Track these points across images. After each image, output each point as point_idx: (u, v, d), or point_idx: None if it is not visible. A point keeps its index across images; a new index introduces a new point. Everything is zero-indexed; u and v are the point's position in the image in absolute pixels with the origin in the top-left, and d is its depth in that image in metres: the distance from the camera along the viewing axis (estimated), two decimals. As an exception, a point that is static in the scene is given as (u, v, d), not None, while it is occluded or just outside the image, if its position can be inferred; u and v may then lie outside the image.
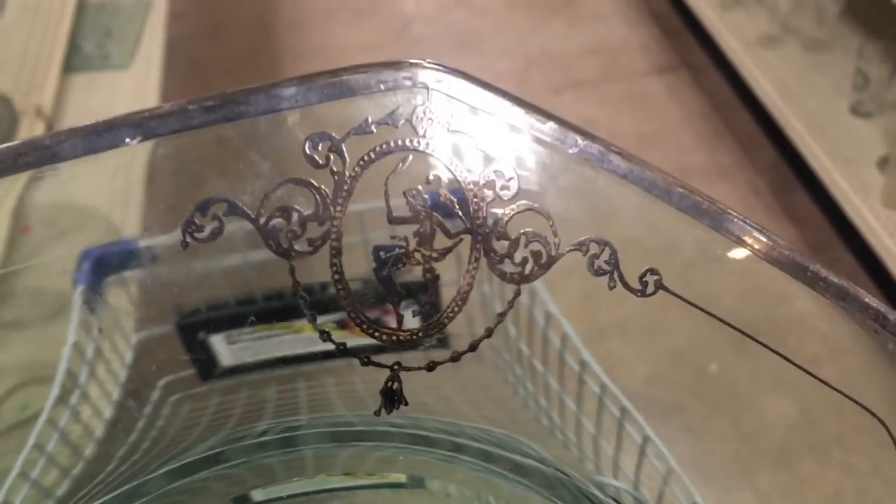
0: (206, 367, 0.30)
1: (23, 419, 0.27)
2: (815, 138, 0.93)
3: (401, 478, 0.26)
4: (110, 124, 0.17)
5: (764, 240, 0.18)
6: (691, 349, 0.27)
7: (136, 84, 0.75)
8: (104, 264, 0.28)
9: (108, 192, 0.26)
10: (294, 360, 0.28)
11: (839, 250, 0.94)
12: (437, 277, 0.18)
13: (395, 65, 0.17)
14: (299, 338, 0.27)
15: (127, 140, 0.16)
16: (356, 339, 0.22)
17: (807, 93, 0.98)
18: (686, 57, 1.24)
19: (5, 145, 0.17)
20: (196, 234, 0.17)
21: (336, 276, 0.17)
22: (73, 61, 0.77)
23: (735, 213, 0.19)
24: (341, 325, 0.27)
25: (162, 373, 0.28)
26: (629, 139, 1.11)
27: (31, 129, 0.67)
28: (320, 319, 0.29)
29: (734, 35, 1.09)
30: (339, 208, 0.17)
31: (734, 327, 0.19)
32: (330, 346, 0.26)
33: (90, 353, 0.29)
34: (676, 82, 1.20)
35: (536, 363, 0.31)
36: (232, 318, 0.30)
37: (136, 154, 0.25)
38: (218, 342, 0.31)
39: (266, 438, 0.26)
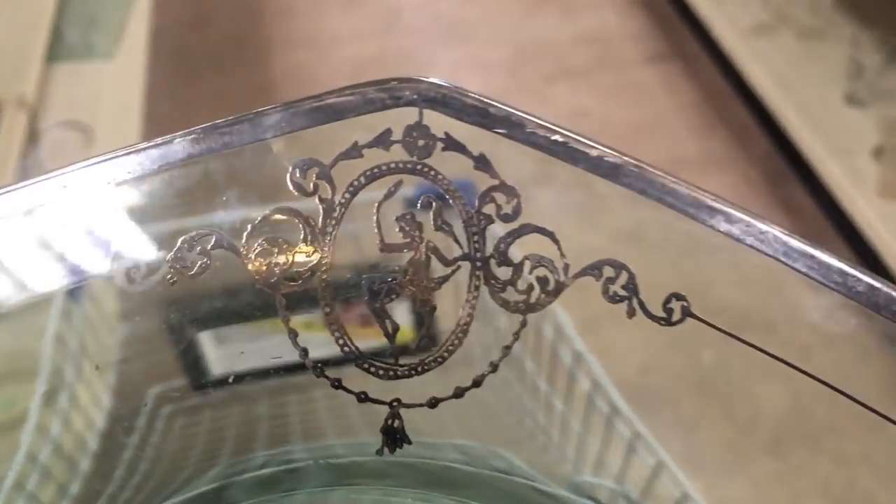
0: (196, 374, 0.29)
1: (9, 419, 0.27)
2: (809, 128, 0.92)
3: None
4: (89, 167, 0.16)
5: (818, 257, 0.18)
6: (683, 338, 0.26)
7: (120, 73, 0.74)
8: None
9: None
10: (283, 371, 0.27)
11: (834, 241, 0.94)
12: (433, 309, 0.17)
13: (383, 84, 0.16)
14: (288, 341, 0.27)
15: (108, 183, 0.16)
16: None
17: (801, 82, 0.98)
18: (679, 46, 1.23)
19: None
20: (184, 272, 0.16)
21: (327, 310, 0.17)
22: (57, 50, 0.76)
23: (779, 229, 0.17)
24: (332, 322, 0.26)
25: (152, 381, 0.27)
26: (622, 129, 1.10)
27: (13, 120, 0.66)
28: (311, 317, 0.28)
29: (727, 23, 1.08)
30: (328, 238, 0.16)
31: (764, 351, 0.18)
32: (322, 354, 0.26)
33: (74, 347, 0.28)
34: (669, 72, 1.19)
35: (527, 362, 0.30)
36: (221, 312, 0.30)
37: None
38: (207, 343, 0.30)
39: (261, 473, 0.26)
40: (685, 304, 0.17)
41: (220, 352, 0.29)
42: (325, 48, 1.25)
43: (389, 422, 0.17)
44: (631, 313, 0.17)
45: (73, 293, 0.28)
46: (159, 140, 0.16)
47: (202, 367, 0.29)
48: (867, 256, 0.87)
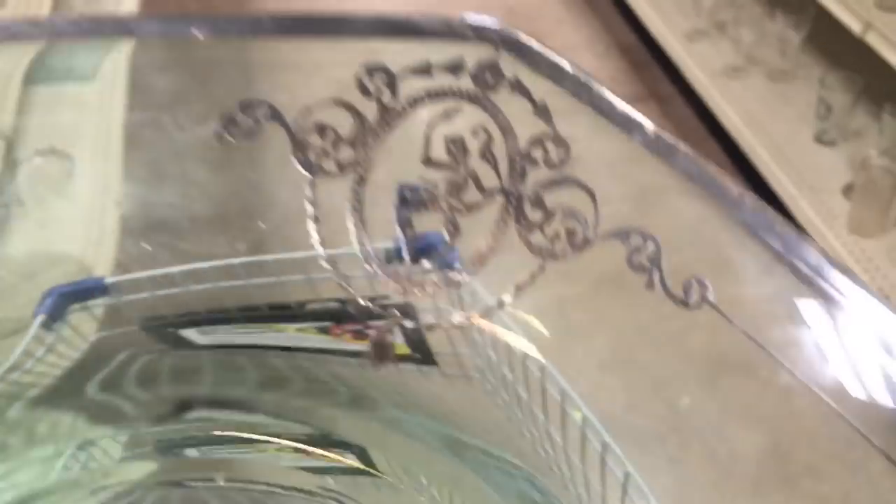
0: (178, 344, 0.28)
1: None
2: (780, 167, 0.94)
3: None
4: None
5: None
6: (666, 381, 0.26)
7: (102, 95, 0.73)
8: (69, 297, 0.27)
9: (83, 237, 0.25)
10: (270, 350, 0.26)
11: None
12: (458, 231, 0.17)
13: (466, 18, 0.17)
14: (278, 335, 0.26)
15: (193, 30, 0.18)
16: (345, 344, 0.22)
17: (772, 122, 1.00)
18: (653, 88, 1.26)
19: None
20: (235, 132, 0.17)
21: (355, 204, 0.17)
22: (36, 73, 0.75)
23: (808, 238, 0.17)
24: (323, 331, 0.25)
25: (125, 346, 0.26)
26: (599, 165, 1.11)
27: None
28: (305, 325, 0.27)
29: (700, 66, 1.11)
30: (376, 139, 0.16)
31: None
32: (309, 345, 0.25)
33: (41, 352, 0.27)
34: (645, 112, 1.21)
35: (521, 389, 0.30)
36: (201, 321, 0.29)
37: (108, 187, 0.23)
38: (191, 333, 0.29)
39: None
40: (706, 289, 0.17)
41: (203, 336, 0.29)
42: (310, 69, 1.25)
43: (384, 334, 0.17)
44: (649, 285, 0.17)
45: (50, 322, 0.28)
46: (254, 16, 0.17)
47: (183, 341, 0.28)
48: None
